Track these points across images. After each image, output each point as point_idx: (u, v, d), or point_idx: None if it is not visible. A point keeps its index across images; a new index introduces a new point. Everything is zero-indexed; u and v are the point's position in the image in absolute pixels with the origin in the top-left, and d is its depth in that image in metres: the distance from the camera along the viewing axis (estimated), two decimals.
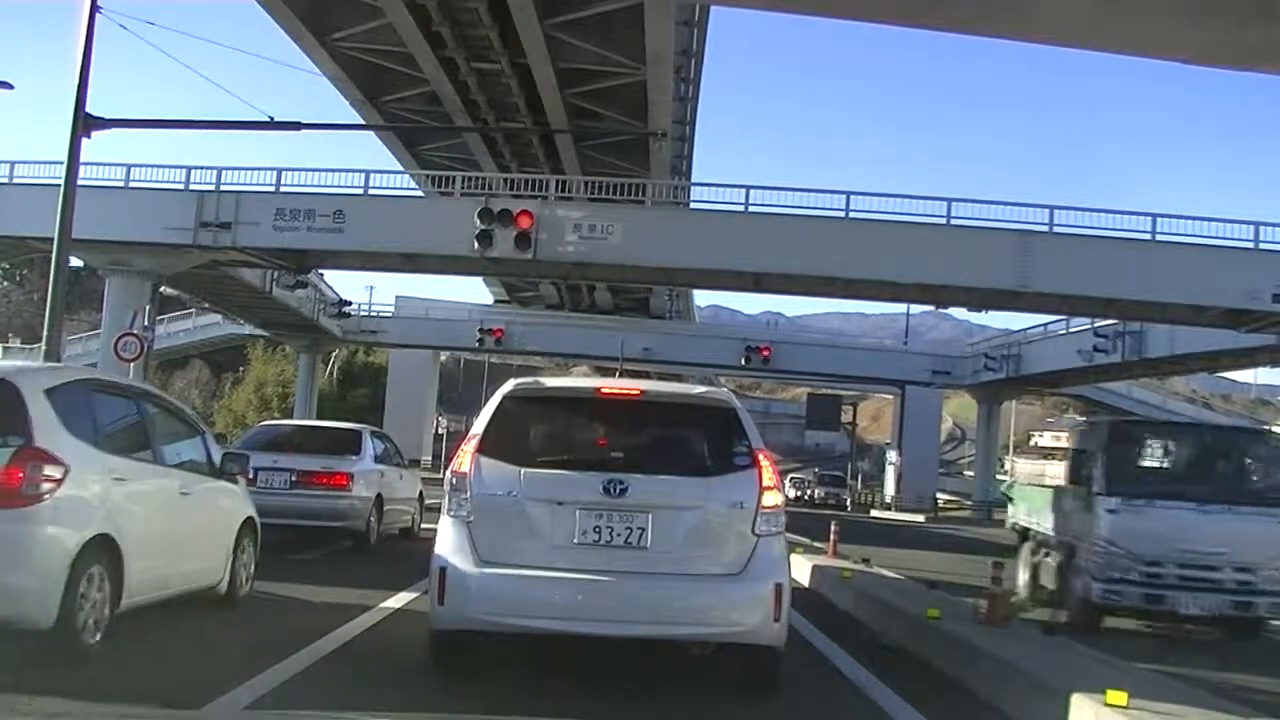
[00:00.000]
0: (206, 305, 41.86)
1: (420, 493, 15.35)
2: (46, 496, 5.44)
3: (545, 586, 5.50)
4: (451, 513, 5.71)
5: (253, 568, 8.23)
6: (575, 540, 5.57)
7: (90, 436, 6.00)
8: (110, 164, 24.15)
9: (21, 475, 5.39)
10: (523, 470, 5.70)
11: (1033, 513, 12.54)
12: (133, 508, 6.24)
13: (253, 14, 24.36)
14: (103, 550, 5.78)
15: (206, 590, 7.43)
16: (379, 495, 12.85)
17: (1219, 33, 6.94)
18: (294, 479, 11.91)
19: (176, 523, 6.89)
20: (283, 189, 24.19)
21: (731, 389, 39.91)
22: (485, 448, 5.78)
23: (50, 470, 5.47)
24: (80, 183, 14.80)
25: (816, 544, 15.29)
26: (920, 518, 40.49)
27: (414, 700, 5.35)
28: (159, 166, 24.88)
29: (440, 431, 52.12)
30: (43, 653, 5.39)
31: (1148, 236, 23.00)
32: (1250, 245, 22.54)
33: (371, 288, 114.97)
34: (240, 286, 32.38)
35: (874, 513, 44.40)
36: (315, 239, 23.82)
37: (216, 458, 7.81)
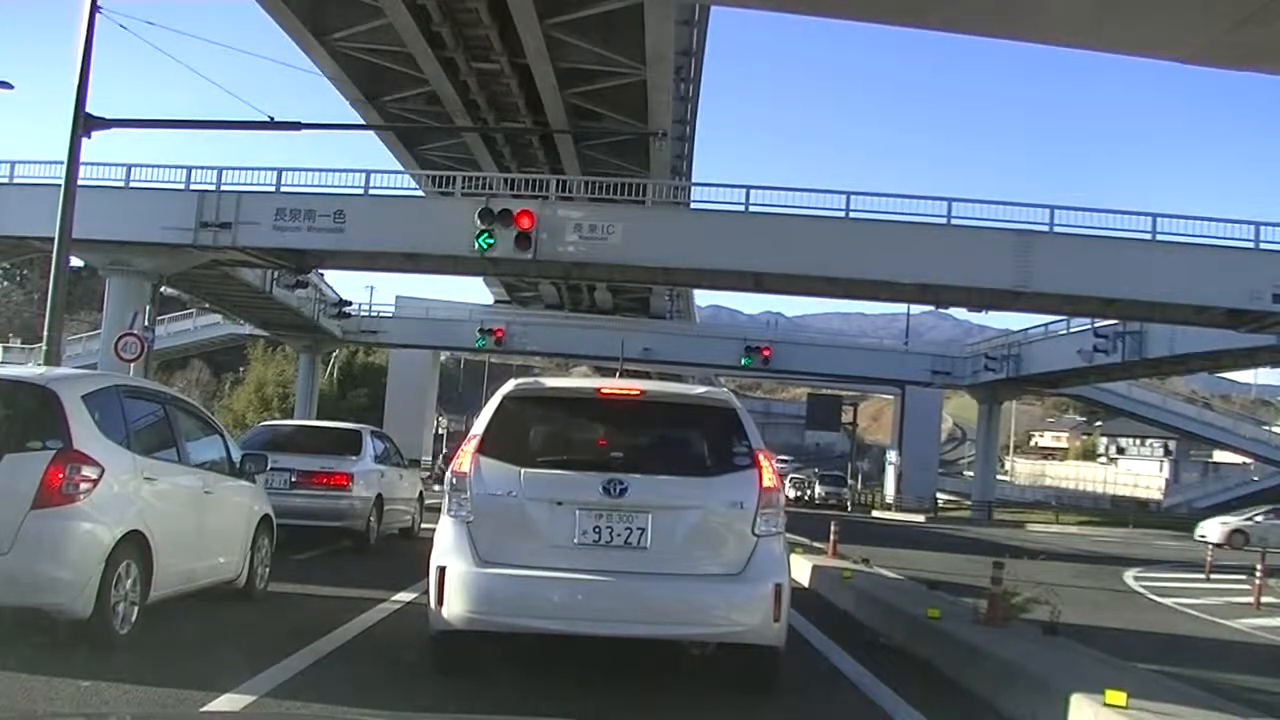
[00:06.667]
0: (206, 305, 41.86)
1: (420, 493, 15.37)
2: (84, 496, 5.79)
3: (545, 587, 5.49)
4: (451, 513, 5.71)
5: (269, 564, 8.57)
6: (575, 540, 5.56)
7: (122, 439, 6.33)
8: (110, 164, 24.22)
9: (61, 476, 5.73)
10: (523, 470, 5.70)
11: None
12: (161, 506, 6.55)
13: (253, 14, 24.40)
14: (134, 546, 6.12)
15: (226, 584, 7.74)
16: (379, 495, 12.87)
17: (1219, 33, 6.93)
18: (294, 479, 11.91)
19: (200, 520, 7.20)
20: (283, 189, 24.19)
21: (731, 389, 39.90)
22: (485, 448, 5.78)
23: (87, 471, 5.82)
24: (80, 183, 14.79)
25: (816, 544, 15.30)
26: (920, 518, 40.51)
27: (414, 700, 5.35)
28: (159, 166, 24.96)
29: (440, 431, 52.17)
30: (75, 641, 5.70)
31: (1148, 236, 23.00)
32: (1250, 245, 22.55)
33: (371, 288, 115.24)
34: (240, 286, 32.38)
35: (875, 513, 44.39)
36: (315, 239, 23.81)
37: (236, 458, 8.09)
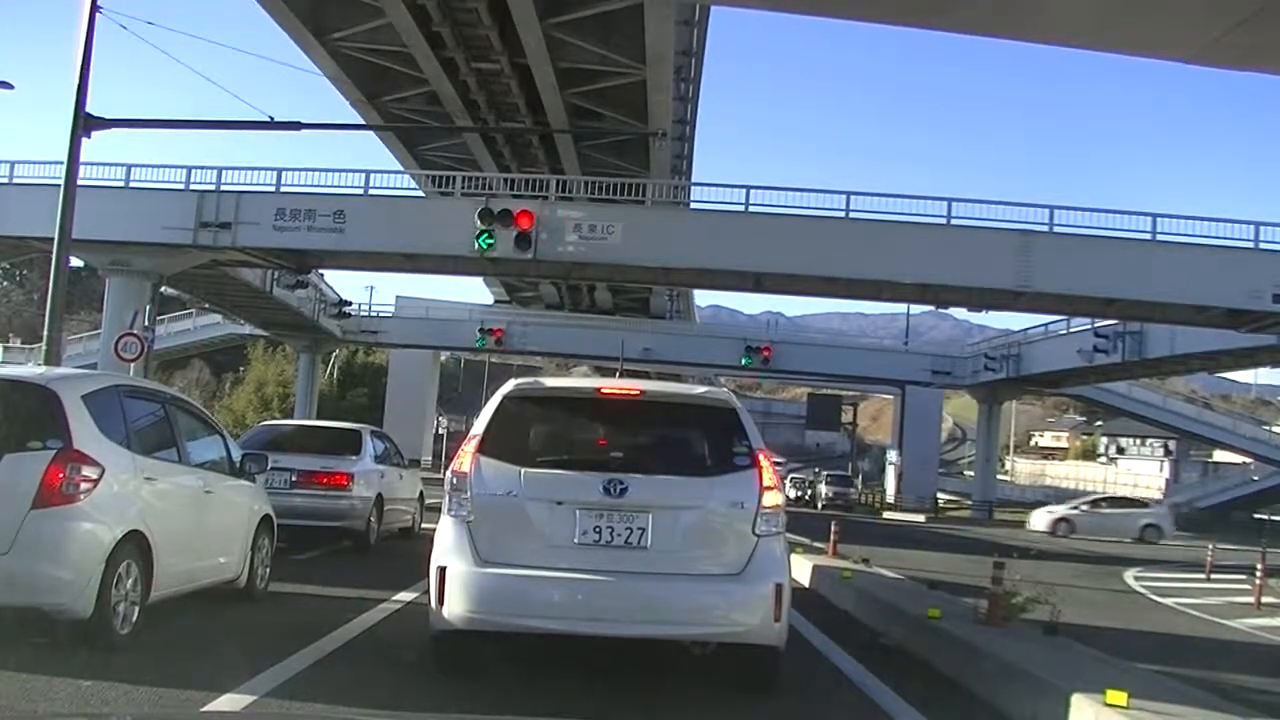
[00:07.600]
0: (206, 305, 41.86)
1: (420, 492, 15.36)
2: (84, 496, 5.78)
3: (545, 586, 5.49)
4: (451, 512, 5.71)
5: (269, 563, 8.57)
6: (575, 540, 5.56)
7: (123, 439, 6.33)
8: (110, 164, 24.23)
9: (62, 476, 5.74)
10: (523, 470, 5.69)
11: None
12: (161, 505, 6.55)
13: (253, 14, 24.41)
14: (135, 546, 6.12)
15: (226, 584, 7.74)
16: (379, 495, 12.86)
17: (1219, 33, 6.93)
18: (294, 479, 11.90)
19: (201, 520, 7.21)
20: (283, 189, 24.18)
21: (731, 389, 39.88)
22: (485, 448, 5.78)
23: (88, 471, 5.81)
24: (80, 183, 14.79)
25: (817, 544, 15.30)
26: (921, 518, 40.48)
27: (414, 700, 5.35)
28: (159, 166, 24.97)
29: (440, 431, 52.12)
30: (75, 641, 5.70)
31: (1148, 236, 23.01)
32: (1250, 245, 22.55)
33: (371, 288, 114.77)
34: (240, 286, 32.39)
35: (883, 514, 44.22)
36: (315, 239, 23.81)
37: (236, 457, 8.09)
